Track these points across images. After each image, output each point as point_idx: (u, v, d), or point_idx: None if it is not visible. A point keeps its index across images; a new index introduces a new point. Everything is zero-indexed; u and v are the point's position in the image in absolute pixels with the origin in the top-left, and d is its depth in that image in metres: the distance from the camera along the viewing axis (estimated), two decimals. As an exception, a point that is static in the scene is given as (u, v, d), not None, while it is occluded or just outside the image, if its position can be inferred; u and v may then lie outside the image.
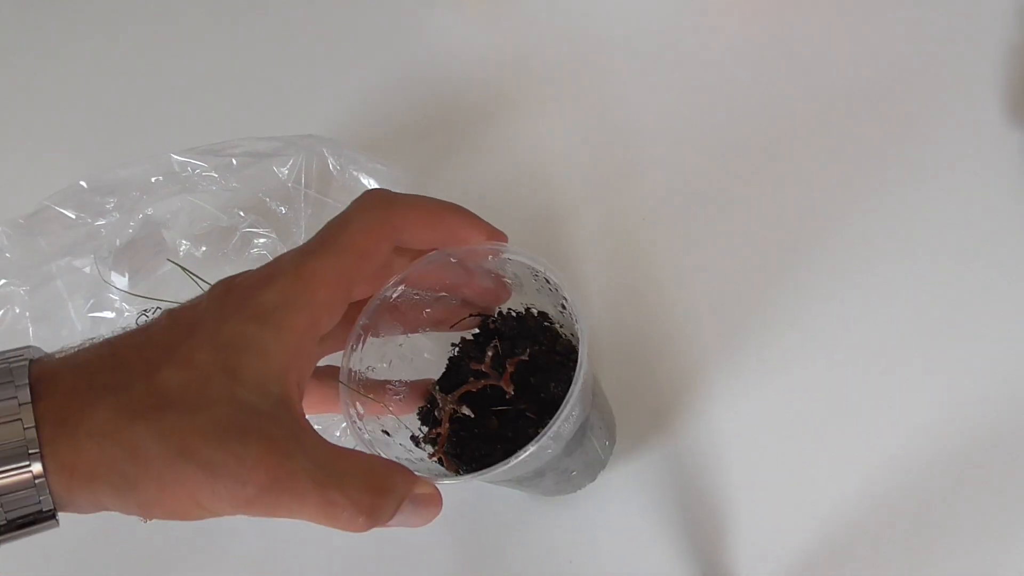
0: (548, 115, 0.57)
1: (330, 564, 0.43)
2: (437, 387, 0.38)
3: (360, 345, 0.35)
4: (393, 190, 0.43)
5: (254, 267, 0.31)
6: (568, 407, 0.33)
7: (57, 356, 0.28)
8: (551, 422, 0.33)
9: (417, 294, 0.37)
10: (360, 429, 0.34)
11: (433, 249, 0.35)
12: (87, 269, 0.42)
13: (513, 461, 0.32)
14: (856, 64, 0.57)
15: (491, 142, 0.56)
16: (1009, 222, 0.50)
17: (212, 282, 0.41)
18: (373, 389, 0.36)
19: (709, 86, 0.57)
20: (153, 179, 0.44)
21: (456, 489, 0.43)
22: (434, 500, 0.31)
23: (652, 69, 0.58)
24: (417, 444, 0.38)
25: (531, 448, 0.32)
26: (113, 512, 0.27)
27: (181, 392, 0.26)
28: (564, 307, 0.37)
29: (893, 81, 0.56)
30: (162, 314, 0.30)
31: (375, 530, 0.29)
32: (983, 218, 0.50)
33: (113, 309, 0.41)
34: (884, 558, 0.41)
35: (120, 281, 0.41)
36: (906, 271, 0.49)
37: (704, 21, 0.60)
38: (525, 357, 0.38)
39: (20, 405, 0.25)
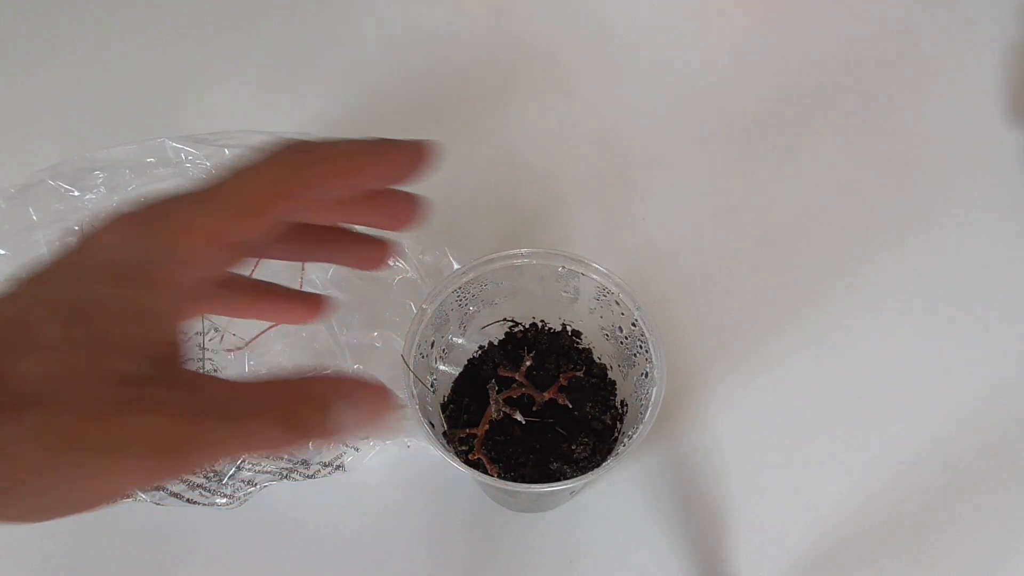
0: (548, 114, 0.58)
1: (336, 560, 0.42)
2: (495, 385, 0.39)
3: (420, 328, 0.37)
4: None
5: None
6: (639, 436, 0.34)
7: None
8: (619, 449, 0.34)
9: (484, 289, 0.39)
10: (420, 415, 0.35)
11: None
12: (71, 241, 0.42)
13: (580, 480, 0.34)
14: (857, 63, 0.58)
15: (488, 141, 0.56)
16: (1009, 222, 0.50)
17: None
18: (418, 372, 0.37)
19: (709, 85, 0.57)
20: (146, 160, 0.44)
21: (459, 489, 0.43)
22: (376, 390, 0.25)
23: (653, 68, 0.59)
24: (448, 441, 0.38)
25: (606, 465, 0.34)
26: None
27: (47, 382, 0.22)
28: (621, 329, 0.38)
29: (894, 80, 0.57)
30: (6, 284, 0.25)
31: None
32: (982, 218, 0.50)
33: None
34: (884, 558, 0.41)
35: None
36: (905, 272, 0.49)
37: (703, 21, 0.60)
38: (580, 373, 0.40)
39: None
